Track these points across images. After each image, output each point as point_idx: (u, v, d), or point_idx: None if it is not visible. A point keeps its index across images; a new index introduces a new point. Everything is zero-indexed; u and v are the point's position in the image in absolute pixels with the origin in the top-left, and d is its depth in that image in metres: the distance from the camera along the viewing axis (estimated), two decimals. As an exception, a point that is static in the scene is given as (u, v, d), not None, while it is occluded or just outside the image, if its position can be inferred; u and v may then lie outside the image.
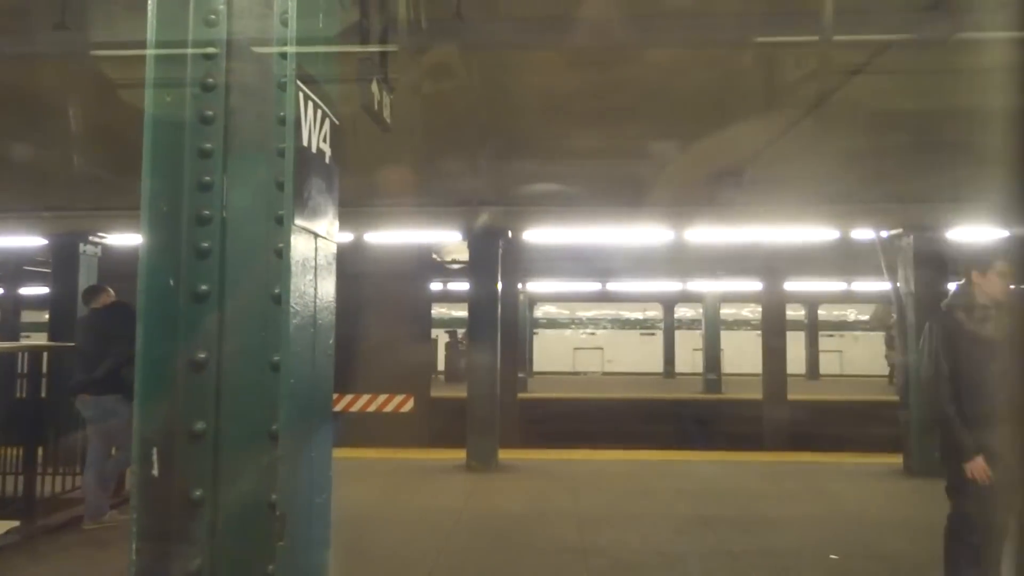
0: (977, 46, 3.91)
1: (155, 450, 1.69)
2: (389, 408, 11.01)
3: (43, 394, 5.54)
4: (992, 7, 3.26)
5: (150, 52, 1.77)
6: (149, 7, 1.80)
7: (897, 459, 7.91)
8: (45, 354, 5.65)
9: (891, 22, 3.42)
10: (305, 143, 1.71)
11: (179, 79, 1.81)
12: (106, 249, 9.23)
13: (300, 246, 1.66)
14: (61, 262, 9.08)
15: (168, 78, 1.78)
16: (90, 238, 8.96)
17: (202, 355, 1.74)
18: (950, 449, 3.38)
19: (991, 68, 4.19)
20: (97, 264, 9.12)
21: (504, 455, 8.20)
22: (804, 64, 4.26)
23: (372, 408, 10.91)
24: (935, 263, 7.78)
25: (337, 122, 1.94)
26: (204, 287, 1.74)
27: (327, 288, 1.82)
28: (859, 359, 26.40)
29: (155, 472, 1.68)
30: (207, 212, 1.76)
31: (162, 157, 1.74)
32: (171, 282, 1.72)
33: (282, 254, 1.64)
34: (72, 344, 5.61)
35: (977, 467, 3.23)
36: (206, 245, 1.75)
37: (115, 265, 8.74)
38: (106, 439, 5.35)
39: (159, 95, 1.76)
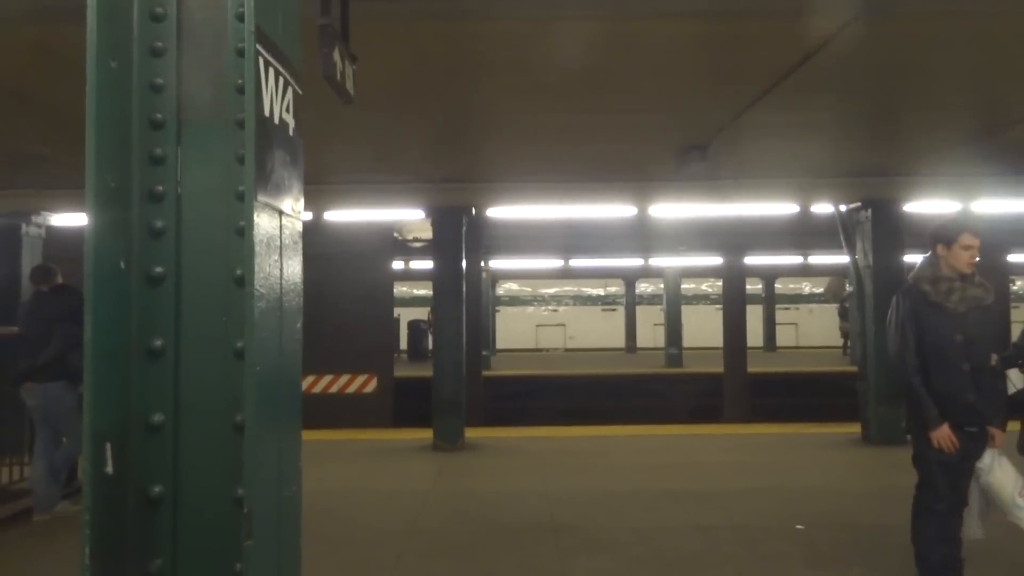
0: (936, 17, 3.91)
1: (108, 445, 1.57)
2: (351, 389, 10.89)
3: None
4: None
5: (91, 15, 1.61)
6: (88, -36, 1.64)
7: (856, 428, 8.10)
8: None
9: None
10: (267, 113, 1.58)
11: (124, 43, 1.66)
12: (51, 230, 8.83)
13: (264, 224, 1.54)
14: (2, 245, 8.66)
15: (112, 42, 1.63)
16: (33, 218, 8.55)
17: (159, 342, 1.62)
18: (916, 419, 3.42)
19: (950, 41, 4.20)
20: (42, 246, 8.72)
21: (470, 434, 8.15)
22: (767, 38, 4.21)
23: (334, 389, 10.77)
24: (893, 236, 7.92)
25: (300, 92, 1.81)
26: (159, 269, 1.62)
27: (293, 269, 1.70)
28: (814, 331, 27.07)
29: (109, 469, 1.56)
30: (160, 188, 1.63)
31: (107, 129, 1.59)
32: (122, 264, 1.59)
33: (244, 233, 1.52)
34: (15, 329, 5.34)
35: (942, 435, 3.28)
36: (160, 224, 1.62)
37: (62, 247, 8.36)
38: (54, 428, 5.13)
39: (102, 61, 1.61)
